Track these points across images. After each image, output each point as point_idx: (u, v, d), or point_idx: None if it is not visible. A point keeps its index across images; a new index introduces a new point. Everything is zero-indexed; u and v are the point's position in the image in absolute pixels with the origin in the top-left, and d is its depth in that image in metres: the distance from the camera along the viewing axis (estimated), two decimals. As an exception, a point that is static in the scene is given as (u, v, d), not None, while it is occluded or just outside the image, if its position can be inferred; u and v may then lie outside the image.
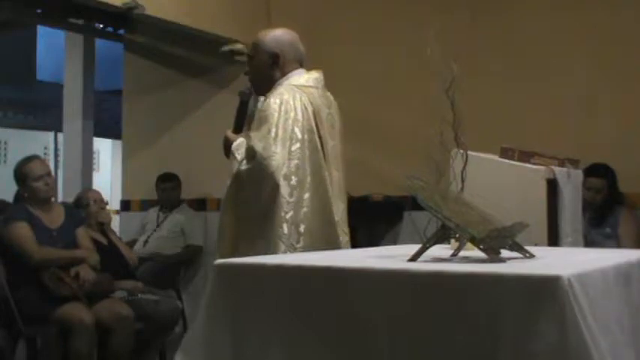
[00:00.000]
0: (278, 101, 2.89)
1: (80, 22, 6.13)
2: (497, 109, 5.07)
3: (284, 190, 2.80)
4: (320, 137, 2.93)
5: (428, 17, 5.14)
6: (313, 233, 2.85)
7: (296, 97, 2.92)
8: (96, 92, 7.10)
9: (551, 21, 5.09)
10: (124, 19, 5.65)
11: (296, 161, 2.84)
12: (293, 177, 2.83)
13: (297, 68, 3.06)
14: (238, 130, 3.06)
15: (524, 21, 5.15)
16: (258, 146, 2.82)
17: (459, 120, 2.00)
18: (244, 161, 2.89)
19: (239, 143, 2.93)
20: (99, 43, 6.78)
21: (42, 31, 9.66)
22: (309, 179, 2.86)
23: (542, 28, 5.10)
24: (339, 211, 2.98)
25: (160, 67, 6.50)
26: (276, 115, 2.85)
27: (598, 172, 4.44)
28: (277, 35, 3.10)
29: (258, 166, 2.82)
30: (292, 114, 2.87)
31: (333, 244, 2.85)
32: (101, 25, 6.29)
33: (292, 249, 2.80)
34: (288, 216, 2.81)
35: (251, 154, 2.85)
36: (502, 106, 5.10)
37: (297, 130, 2.86)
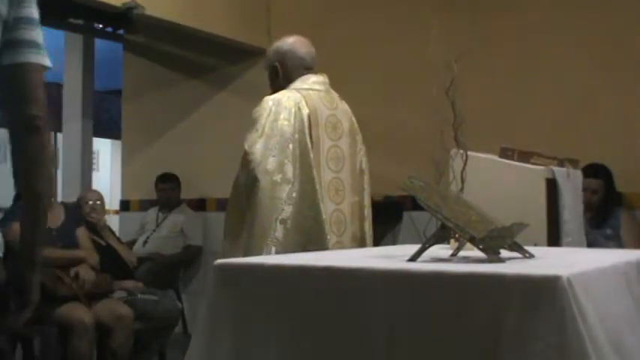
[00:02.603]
0: (270, 102, 2.98)
1: (80, 22, 6.13)
2: (497, 109, 5.08)
3: (266, 185, 2.86)
4: (311, 138, 2.97)
5: (428, 18, 5.14)
6: (299, 230, 2.89)
7: (290, 98, 2.99)
8: (95, 92, 7.10)
9: (551, 21, 5.09)
10: (124, 19, 5.63)
11: (281, 158, 2.90)
12: (277, 173, 2.88)
13: (302, 74, 3.13)
14: None
15: (524, 21, 5.15)
16: (245, 144, 2.93)
17: (459, 120, 2.00)
18: None
19: None
20: (98, 43, 6.78)
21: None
22: (296, 177, 2.91)
23: (542, 28, 5.10)
24: (329, 211, 2.98)
25: (159, 67, 6.50)
26: (265, 114, 2.95)
27: (594, 172, 4.41)
28: (277, 46, 3.20)
29: (243, 162, 2.93)
30: (282, 114, 2.95)
31: (319, 243, 2.88)
32: (101, 26, 6.29)
33: (276, 242, 2.84)
34: (268, 211, 2.86)
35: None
36: (502, 106, 5.10)
37: (285, 128, 2.93)
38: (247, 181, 2.91)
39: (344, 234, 3.03)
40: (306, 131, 2.96)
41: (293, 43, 3.18)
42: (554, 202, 3.14)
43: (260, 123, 2.93)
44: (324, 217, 2.93)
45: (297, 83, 3.09)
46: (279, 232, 2.85)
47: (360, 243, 3.10)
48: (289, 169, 2.89)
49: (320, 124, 3.02)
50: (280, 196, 2.87)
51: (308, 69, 3.15)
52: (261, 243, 2.84)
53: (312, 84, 3.10)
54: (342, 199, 3.05)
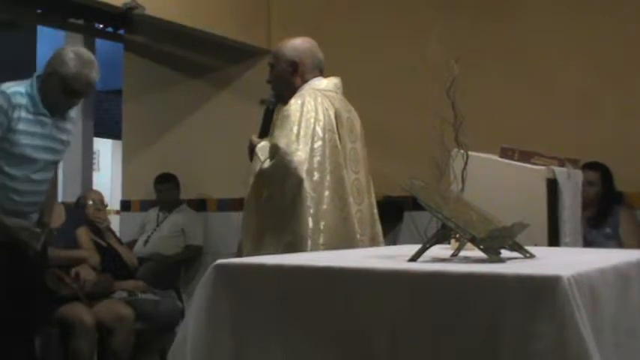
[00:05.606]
0: (299, 102, 2.98)
1: (80, 22, 6.13)
2: (498, 109, 5.08)
3: (307, 185, 2.85)
4: (340, 138, 3.00)
5: (429, 19, 5.15)
6: (332, 230, 2.89)
7: (317, 98, 3.00)
8: (96, 92, 7.09)
9: (551, 22, 5.09)
10: (124, 19, 5.65)
11: (318, 158, 2.90)
12: (315, 173, 2.88)
13: (317, 75, 3.16)
14: (263, 136, 3.12)
15: (524, 22, 5.15)
16: (282, 142, 2.89)
17: (460, 120, 2.00)
18: (267, 160, 2.95)
19: (263, 145, 3.00)
20: (99, 43, 6.77)
21: (42, 31, 9.66)
22: (328, 177, 2.92)
23: (542, 28, 5.10)
24: (352, 211, 3.01)
25: (160, 67, 6.50)
26: (297, 114, 2.93)
27: (591, 165, 4.41)
28: (296, 44, 3.20)
29: (281, 161, 2.88)
30: (313, 113, 2.95)
31: (350, 242, 2.91)
32: (101, 26, 6.29)
33: (315, 246, 2.83)
34: (312, 211, 2.86)
35: (274, 151, 2.92)
36: (502, 106, 5.10)
37: (318, 128, 2.94)
38: (287, 181, 2.87)
39: (365, 234, 3.06)
40: (335, 131, 2.99)
41: (312, 43, 3.23)
42: (555, 202, 3.14)
43: (293, 122, 2.92)
44: (353, 217, 2.96)
45: (315, 84, 3.11)
46: (317, 231, 2.85)
47: (377, 243, 3.12)
48: (322, 169, 2.91)
49: (343, 124, 3.05)
50: (317, 196, 2.87)
51: (321, 72, 3.19)
52: (304, 242, 2.83)
53: (326, 85, 3.12)
54: (362, 200, 3.08)
